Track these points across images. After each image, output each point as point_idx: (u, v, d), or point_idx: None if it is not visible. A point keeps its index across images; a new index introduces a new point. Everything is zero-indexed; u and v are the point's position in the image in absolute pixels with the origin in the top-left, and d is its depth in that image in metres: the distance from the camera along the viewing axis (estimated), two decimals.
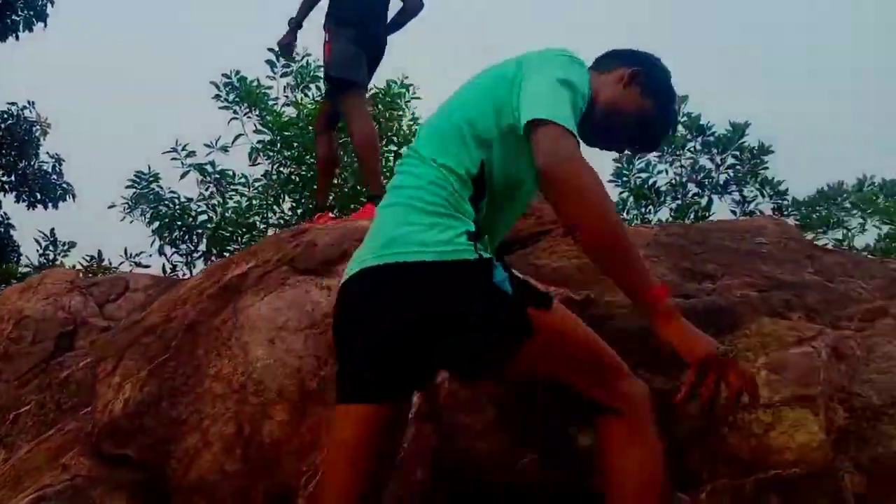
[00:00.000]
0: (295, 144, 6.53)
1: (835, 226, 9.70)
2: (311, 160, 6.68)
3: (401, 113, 6.98)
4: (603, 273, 1.47)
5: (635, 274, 1.41)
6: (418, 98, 7.08)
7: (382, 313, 1.45)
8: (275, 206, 7.08)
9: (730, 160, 8.78)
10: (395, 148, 6.97)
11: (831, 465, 1.83)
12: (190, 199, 7.16)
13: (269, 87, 6.84)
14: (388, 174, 6.80)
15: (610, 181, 8.48)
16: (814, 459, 1.84)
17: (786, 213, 8.77)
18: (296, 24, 3.70)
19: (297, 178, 6.72)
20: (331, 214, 3.63)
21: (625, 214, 8.55)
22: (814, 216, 9.74)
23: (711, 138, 8.66)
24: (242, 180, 7.05)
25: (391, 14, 3.89)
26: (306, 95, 6.94)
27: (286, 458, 1.99)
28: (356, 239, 2.47)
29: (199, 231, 7.08)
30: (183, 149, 6.90)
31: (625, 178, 8.59)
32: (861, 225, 9.57)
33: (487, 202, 1.56)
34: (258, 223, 7.09)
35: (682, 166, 8.86)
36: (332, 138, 3.95)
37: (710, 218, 8.88)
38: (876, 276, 3.32)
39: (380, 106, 6.78)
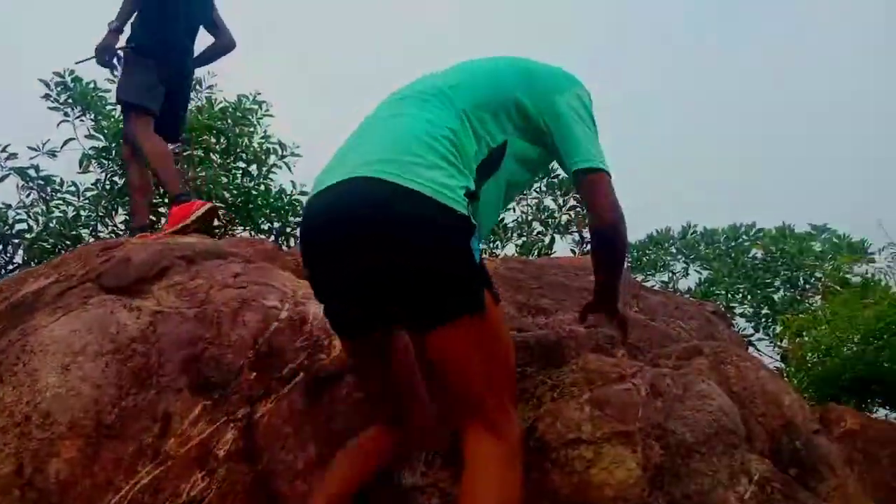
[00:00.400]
0: None
1: (661, 269, 10.45)
2: (149, 171, 6.23)
3: (252, 129, 6.70)
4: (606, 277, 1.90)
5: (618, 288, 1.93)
6: (271, 115, 6.85)
7: (364, 230, 1.44)
8: (106, 219, 6.53)
9: (571, 202, 9.23)
10: (243, 165, 6.67)
11: (647, 501, 1.87)
12: (8, 206, 6.44)
13: (108, 91, 6.34)
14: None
15: None
16: (631, 496, 1.87)
17: None
18: (116, 28, 3.44)
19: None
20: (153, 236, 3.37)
21: None
22: (644, 259, 10.44)
23: (556, 180, 9.07)
24: (72, 188, 6.46)
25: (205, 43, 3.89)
26: None
27: (73, 503, 1.75)
28: (177, 256, 2.27)
29: (17, 241, 6.38)
30: (3, 150, 6.21)
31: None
32: (684, 269, 10.38)
33: (486, 185, 1.62)
34: (86, 236, 6.50)
35: (528, 205, 9.18)
36: (141, 163, 3.76)
37: (552, 255, 9.29)
38: (694, 317, 3.55)
39: (229, 120, 6.47)
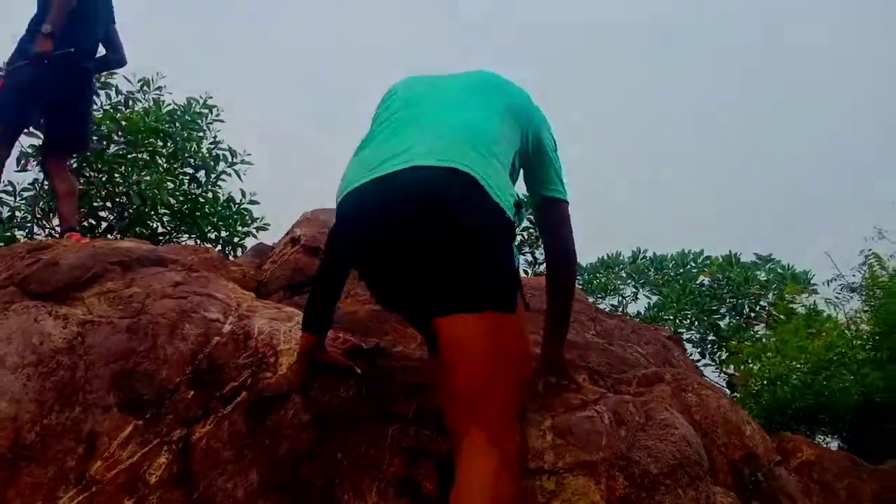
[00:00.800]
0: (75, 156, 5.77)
1: (612, 292, 10.50)
2: (91, 173, 5.94)
3: (201, 134, 6.47)
4: (559, 314, 2.03)
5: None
6: (221, 121, 6.63)
7: (431, 212, 1.45)
8: (44, 221, 6.20)
9: (525, 223, 9.23)
10: (191, 171, 6.43)
11: None
12: None
13: None
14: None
15: None
16: None
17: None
18: (50, 32, 3.24)
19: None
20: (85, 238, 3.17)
21: None
22: (594, 282, 10.49)
23: None
24: (8, 188, 6.10)
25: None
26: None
27: None
28: (112, 262, 2.10)
29: None
30: None
31: None
32: (634, 293, 10.46)
33: None
34: (22, 237, 6.14)
35: None
36: (62, 169, 3.56)
37: None
38: (650, 342, 3.51)
39: (178, 124, 6.23)
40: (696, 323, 9.92)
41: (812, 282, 9.18)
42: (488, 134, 1.60)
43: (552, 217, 1.94)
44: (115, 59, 3.84)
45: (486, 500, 1.31)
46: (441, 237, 1.44)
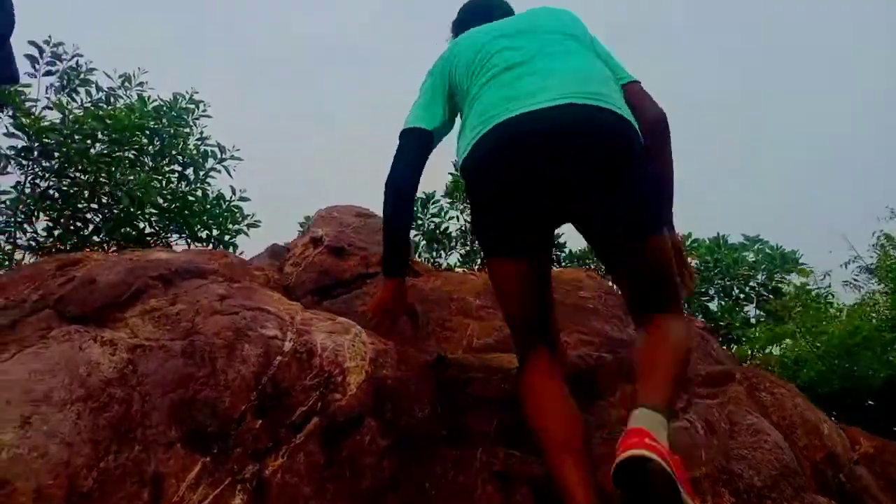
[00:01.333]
0: (56, 154, 5.45)
1: (604, 275, 10.42)
2: (76, 173, 5.64)
3: (188, 130, 6.19)
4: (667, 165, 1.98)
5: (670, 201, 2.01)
6: (208, 116, 6.35)
7: (582, 150, 1.66)
8: (26, 225, 5.87)
9: None
10: (179, 168, 6.15)
11: None
12: None
13: (28, 86, 5.68)
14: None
15: None
16: None
17: (563, 264, 9.22)
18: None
19: (57, 194, 5.60)
20: None
21: (417, 257, 8.47)
22: (588, 265, 10.41)
23: None
24: None
25: None
26: (73, 100, 5.87)
27: None
28: (151, 276, 1.91)
29: None
30: None
31: (419, 222, 8.59)
32: None
33: None
34: (2, 243, 5.82)
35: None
36: None
37: None
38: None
39: (164, 120, 5.95)
40: (687, 305, 9.91)
41: (801, 261, 9.21)
42: (602, 71, 1.85)
43: (637, 95, 1.97)
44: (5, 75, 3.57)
45: (682, 331, 1.74)
46: (614, 169, 1.68)
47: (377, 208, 3.04)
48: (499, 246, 1.83)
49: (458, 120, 2.08)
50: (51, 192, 5.59)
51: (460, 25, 2.39)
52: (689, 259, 2.00)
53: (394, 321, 2.16)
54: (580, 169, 1.67)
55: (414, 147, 2.02)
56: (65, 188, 5.55)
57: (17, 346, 1.60)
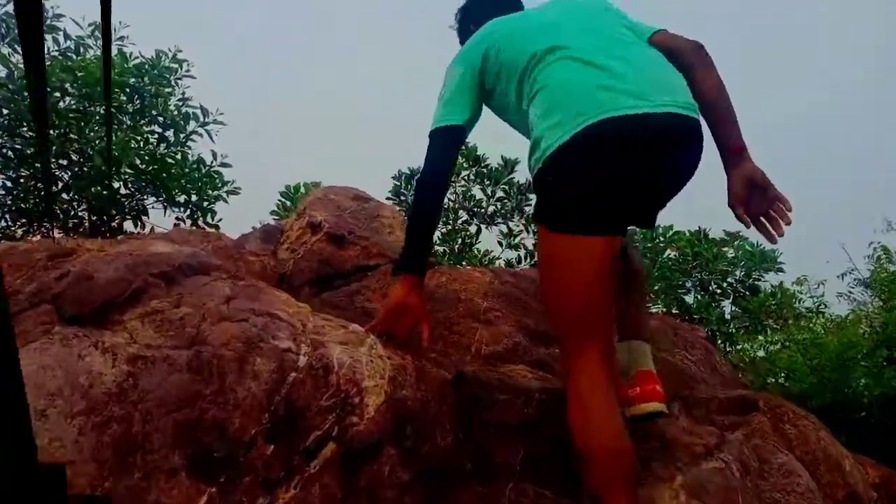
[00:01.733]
0: (5, 111, 5.07)
1: None
2: (29, 132, 5.26)
3: (170, 90, 5.88)
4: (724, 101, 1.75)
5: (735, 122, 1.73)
6: (192, 77, 6.05)
7: (675, 149, 1.66)
8: (7, 216, 5.52)
9: (499, 193, 9.01)
10: (159, 129, 5.86)
11: None
12: None
13: None
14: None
15: (388, 199, 8.23)
16: None
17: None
18: None
19: (11, 153, 5.24)
20: None
21: (399, 233, 8.27)
22: None
23: (485, 170, 8.82)
24: None
25: None
26: (16, 51, 5.42)
27: None
28: (153, 274, 1.72)
29: None
30: None
31: (402, 198, 8.42)
32: None
33: None
34: None
35: (455, 192, 8.84)
36: None
37: (476, 246, 9.02)
38: (695, 346, 3.29)
39: (145, 78, 5.64)
40: (664, 297, 9.92)
41: (779, 261, 9.25)
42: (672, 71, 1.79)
43: (665, 40, 1.90)
44: None
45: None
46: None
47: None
48: (606, 221, 1.67)
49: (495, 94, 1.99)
50: (3, 150, 5.19)
51: (486, 11, 2.23)
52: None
53: (412, 326, 1.97)
54: (684, 180, 1.76)
55: (450, 145, 1.99)
56: (18, 147, 5.17)
57: (21, 339, 1.42)
